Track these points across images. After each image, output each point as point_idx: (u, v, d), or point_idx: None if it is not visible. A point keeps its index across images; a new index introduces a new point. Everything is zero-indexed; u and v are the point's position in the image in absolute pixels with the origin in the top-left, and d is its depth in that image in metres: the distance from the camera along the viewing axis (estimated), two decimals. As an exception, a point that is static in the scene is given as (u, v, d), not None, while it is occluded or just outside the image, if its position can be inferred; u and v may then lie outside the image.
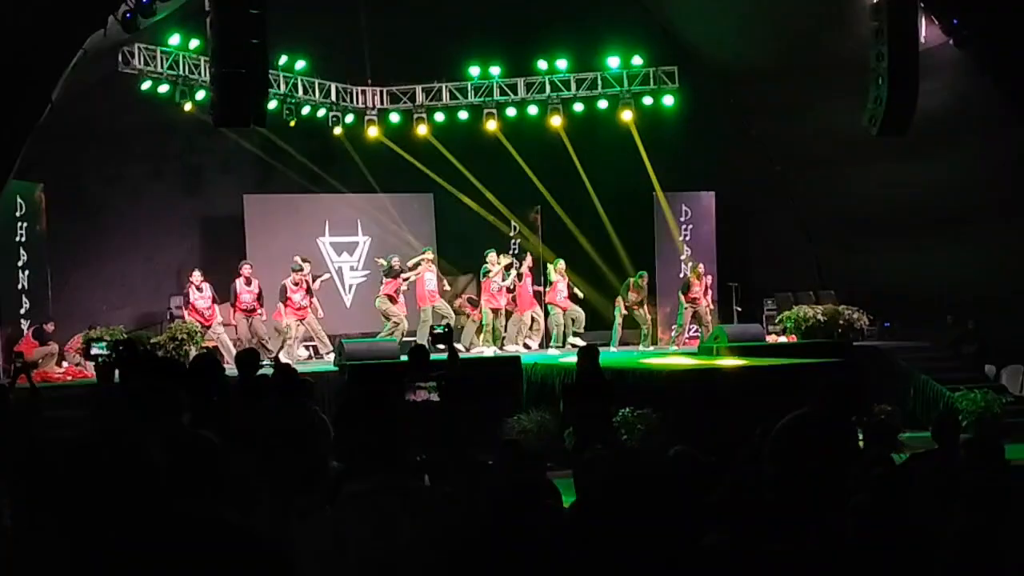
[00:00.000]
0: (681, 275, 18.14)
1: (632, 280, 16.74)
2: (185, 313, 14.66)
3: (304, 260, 15.31)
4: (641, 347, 16.48)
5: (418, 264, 15.61)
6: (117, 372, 7.30)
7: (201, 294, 14.62)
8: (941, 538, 3.75)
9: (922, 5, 13.40)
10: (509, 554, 3.20)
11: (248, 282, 14.83)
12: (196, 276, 14.70)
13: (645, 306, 16.82)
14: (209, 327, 14.47)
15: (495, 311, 15.89)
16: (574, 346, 15.20)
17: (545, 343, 16.52)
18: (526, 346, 16.07)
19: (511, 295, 16.26)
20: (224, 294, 14.86)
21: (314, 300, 15.15)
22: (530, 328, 16.35)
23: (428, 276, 15.53)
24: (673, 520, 3.35)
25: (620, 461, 4.70)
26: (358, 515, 2.94)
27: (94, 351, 11.86)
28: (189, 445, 2.87)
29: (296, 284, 14.81)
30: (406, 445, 3.14)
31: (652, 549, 3.53)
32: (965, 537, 3.69)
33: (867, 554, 3.90)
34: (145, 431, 3.32)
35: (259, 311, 14.84)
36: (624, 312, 16.48)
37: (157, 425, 3.48)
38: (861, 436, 6.21)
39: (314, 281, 15.38)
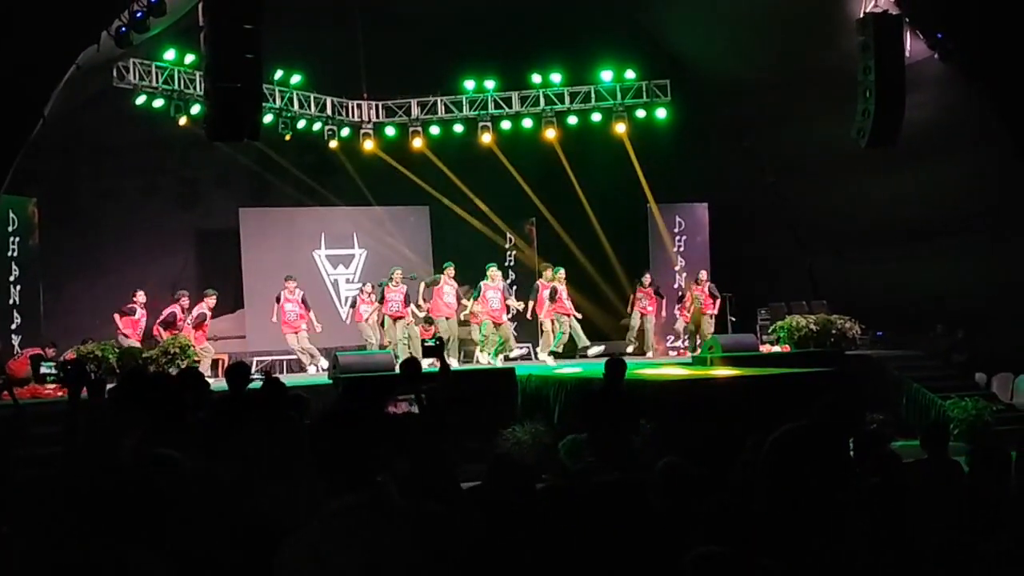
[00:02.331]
0: (676, 286, 18.20)
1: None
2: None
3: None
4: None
5: (437, 280, 15.46)
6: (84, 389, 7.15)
7: (134, 317, 14.43)
8: (936, 548, 3.76)
9: (907, 20, 13.57)
10: (498, 572, 3.19)
11: (183, 310, 14.70)
12: (140, 296, 14.57)
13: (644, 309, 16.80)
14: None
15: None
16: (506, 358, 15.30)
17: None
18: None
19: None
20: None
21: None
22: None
23: (447, 289, 15.27)
24: (658, 533, 3.35)
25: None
26: (338, 533, 2.77)
27: (43, 371, 11.78)
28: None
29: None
30: (385, 460, 3.02)
31: (636, 563, 3.54)
32: (965, 548, 3.70)
33: (862, 566, 3.91)
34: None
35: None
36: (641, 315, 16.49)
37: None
38: (851, 445, 6.23)
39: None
